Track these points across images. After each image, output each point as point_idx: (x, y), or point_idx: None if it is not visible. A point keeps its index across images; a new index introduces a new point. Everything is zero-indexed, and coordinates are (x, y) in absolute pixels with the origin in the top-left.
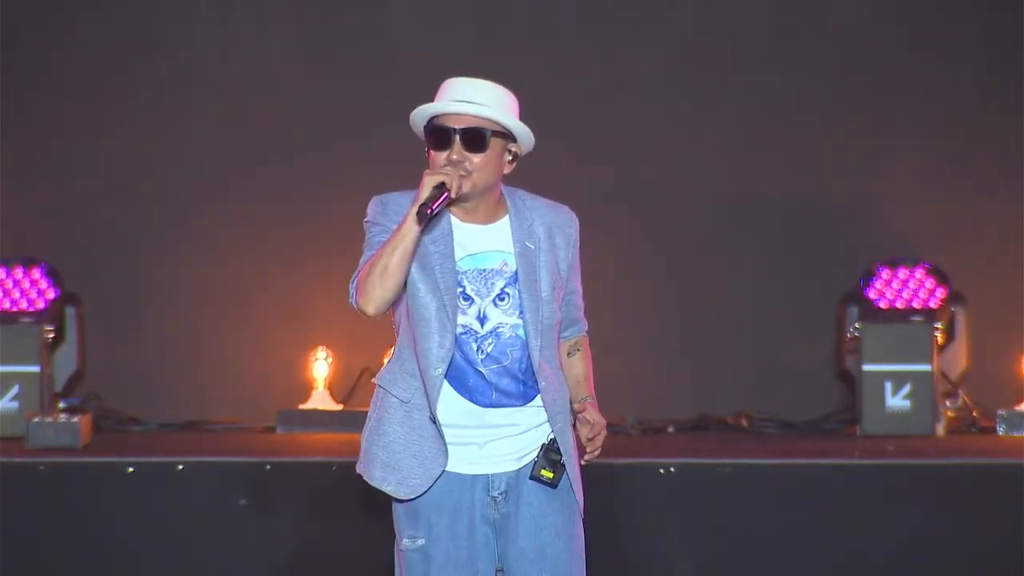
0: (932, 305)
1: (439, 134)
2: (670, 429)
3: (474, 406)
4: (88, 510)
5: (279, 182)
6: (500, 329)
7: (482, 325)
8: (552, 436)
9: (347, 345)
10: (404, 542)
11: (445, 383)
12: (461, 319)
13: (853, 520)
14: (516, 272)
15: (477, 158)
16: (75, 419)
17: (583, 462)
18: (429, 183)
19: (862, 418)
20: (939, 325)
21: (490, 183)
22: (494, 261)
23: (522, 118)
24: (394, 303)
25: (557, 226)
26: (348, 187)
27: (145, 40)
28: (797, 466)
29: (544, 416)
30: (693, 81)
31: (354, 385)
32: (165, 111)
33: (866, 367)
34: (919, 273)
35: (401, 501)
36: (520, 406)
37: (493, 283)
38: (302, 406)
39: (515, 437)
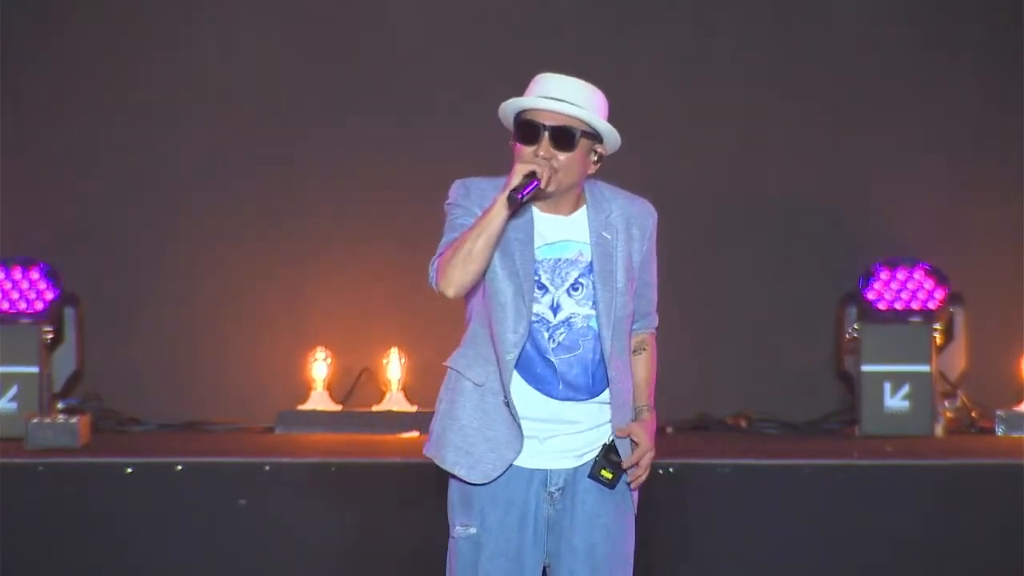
0: (931, 306)
1: (528, 129)
2: (669, 429)
3: (541, 396)
4: (87, 511)
5: (279, 183)
6: (572, 319)
7: (555, 314)
8: (613, 437)
9: (346, 346)
10: (457, 529)
11: (514, 371)
12: (535, 308)
13: (852, 521)
14: (591, 263)
15: (564, 156)
16: (74, 420)
17: (632, 482)
18: (520, 171)
19: (861, 419)
20: (938, 326)
21: (574, 182)
22: (570, 251)
23: (610, 119)
24: (470, 290)
25: (634, 217)
26: (348, 188)
27: (144, 40)
28: (796, 467)
29: (606, 416)
30: (693, 81)
31: (353, 386)
32: (164, 111)
33: (865, 368)
34: (918, 274)
35: (459, 488)
36: (586, 400)
37: (568, 273)
38: (301, 407)
39: (577, 435)
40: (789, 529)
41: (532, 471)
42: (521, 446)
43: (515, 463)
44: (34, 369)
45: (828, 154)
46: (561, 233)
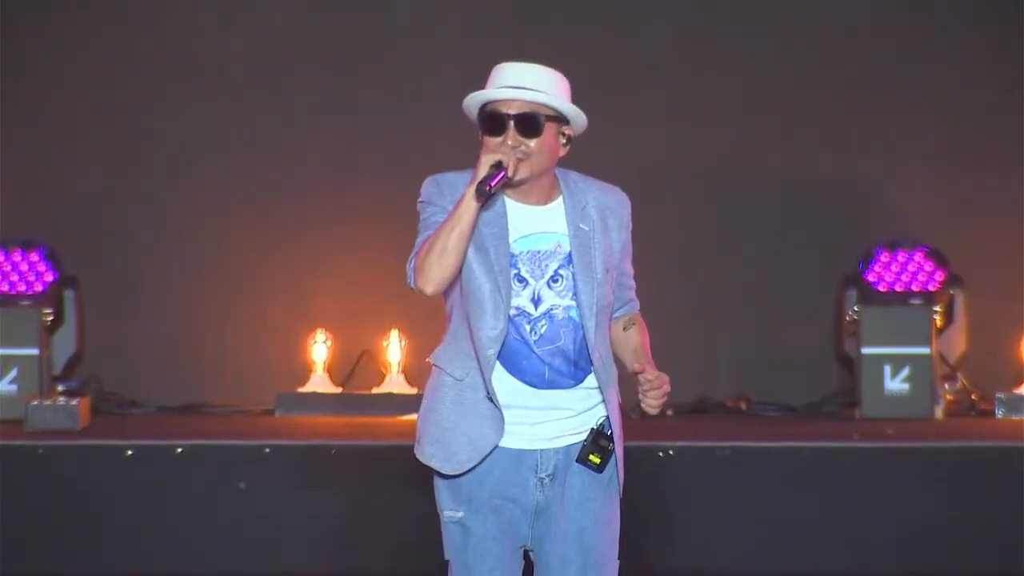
0: (931, 288)
1: (493, 120)
2: (669, 412)
3: (526, 387)
4: (87, 493)
5: (279, 165)
6: (554, 311)
7: (536, 307)
8: (602, 421)
9: (346, 328)
10: (445, 514)
11: (498, 364)
12: (515, 300)
13: (852, 503)
14: (570, 254)
15: (532, 143)
16: (74, 402)
17: (650, 409)
18: (486, 162)
19: (861, 401)
20: (938, 308)
21: (546, 167)
22: (548, 243)
23: (574, 100)
24: (448, 286)
25: (610, 208)
26: (349, 169)
27: (146, 23)
28: (796, 449)
29: (593, 400)
30: (692, 62)
31: (353, 368)
32: (164, 94)
33: (865, 350)
34: (918, 256)
35: (445, 476)
36: (571, 387)
37: (547, 265)
38: (301, 389)
39: (565, 420)
40: (789, 511)
41: (519, 453)
42: (499, 438)
43: (504, 445)
44: (34, 351)
45: (828, 137)
46: (537, 224)
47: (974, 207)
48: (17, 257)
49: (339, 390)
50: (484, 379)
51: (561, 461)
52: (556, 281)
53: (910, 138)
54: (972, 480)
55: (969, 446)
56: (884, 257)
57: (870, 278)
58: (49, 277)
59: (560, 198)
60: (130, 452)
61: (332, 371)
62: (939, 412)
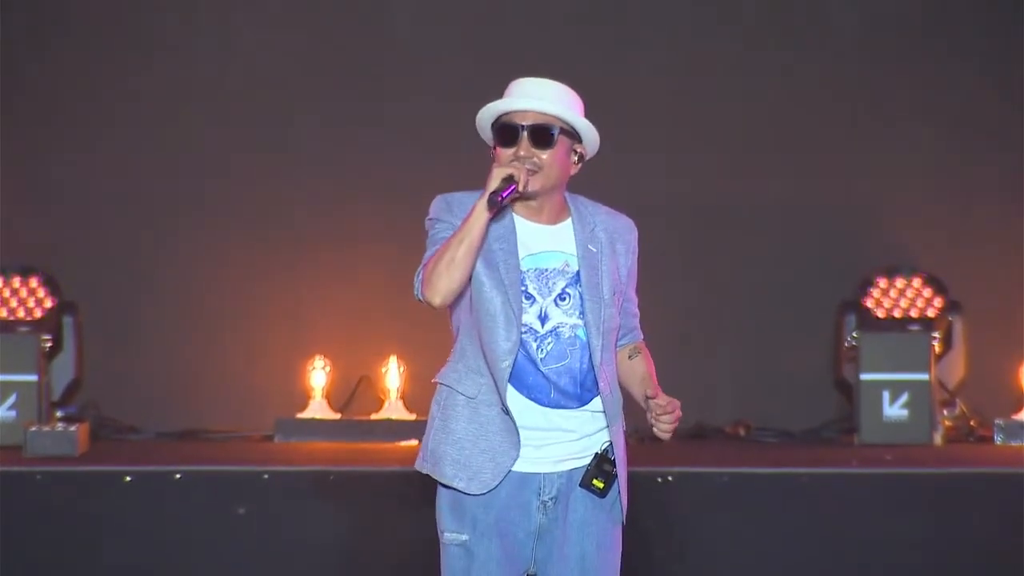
0: (930, 314)
1: (506, 131)
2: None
3: (534, 404)
4: (85, 519)
5: (277, 191)
6: (560, 329)
7: (543, 324)
8: (606, 446)
9: (345, 354)
10: (447, 536)
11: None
12: (523, 317)
13: (851, 529)
14: (578, 273)
15: (545, 154)
16: (72, 428)
17: (663, 434)
18: (497, 175)
19: (860, 427)
20: (937, 334)
21: (557, 182)
22: (556, 261)
23: (601, 123)
24: (454, 304)
25: (618, 232)
26: (348, 195)
27: (143, 47)
28: (795, 475)
29: (598, 424)
30: (692, 87)
31: (352, 394)
32: (163, 119)
33: (864, 376)
34: (917, 282)
35: (450, 495)
36: (576, 408)
37: (554, 283)
38: (300, 415)
39: (571, 443)
40: (788, 538)
41: (525, 476)
42: (518, 453)
43: (511, 468)
44: (33, 377)
45: (827, 162)
46: (545, 243)
47: (973, 233)
48: (16, 283)
49: (338, 416)
50: (499, 392)
51: (564, 485)
52: (564, 299)
53: (909, 164)
54: (971, 506)
55: (968, 472)
56: (883, 283)
57: (869, 304)
58: (48, 303)
59: (569, 219)
60: (129, 478)
61: (331, 397)
62: (938, 438)
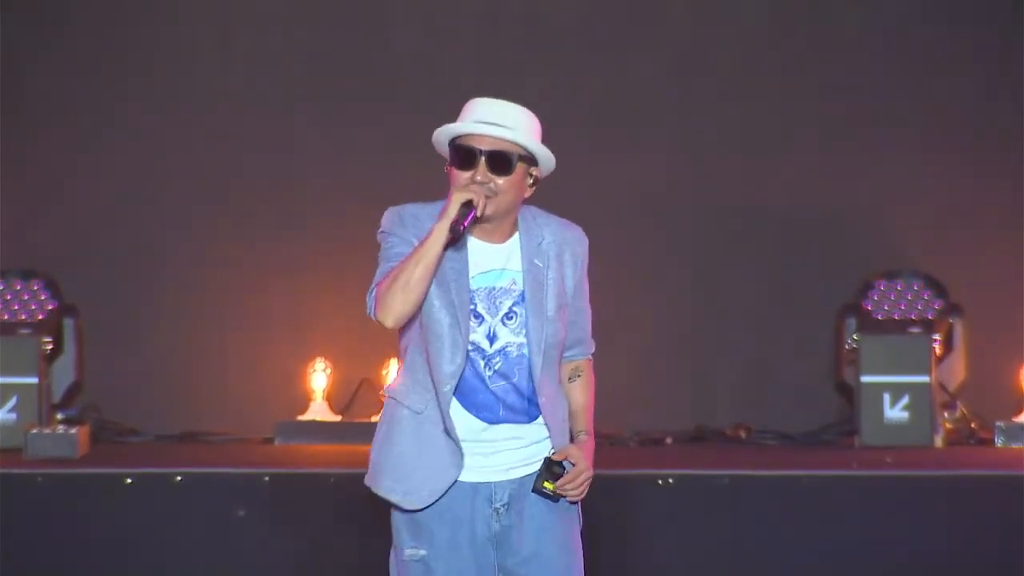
0: (930, 316)
1: (464, 154)
2: (668, 440)
3: (480, 422)
4: (86, 521)
5: (277, 193)
6: (508, 348)
7: (491, 344)
8: (554, 450)
9: (346, 356)
10: (406, 552)
11: (453, 398)
12: (472, 336)
13: (851, 532)
14: (523, 292)
15: (502, 180)
16: (73, 430)
17: (571, 497)
18: (457, 200)
19: (860, 430)
20: (937, 336)
21: (512, 206)
22: (504, 280)
23: (545, 140)
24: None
25: (567, 243)
26: (347, 198)
27: (143, 50)
28: (795, 478)
29: (547, 432)
30: (692, 91)
31: (353, 396)
32: (163, 122)
33: (864, 378)
34: (917, 284)
35: (403, 512)
36: (525, 423)
37: (502, 302)
38: (300, 417)
39: (518, 450)
40: (788, 540)
41: (475, 485)
42: (459, 472)
43: (460, 479)
44: (33, 380)
45: (827, 165)
46: (494, 262)
47: (973, 236)
48: (17, 286)
49: (338, 418)
50: (442, 413)
51: (516, 491)
52: (511, 318)
53: (909, 167)
54: (971, 509)
55: (968, 475)
56: (883, 286)
57: (869, 307)
58: (49, 306)
59: (517, 235)
60: (129, 480)
61: (331, 399)
62: (938, 441)
